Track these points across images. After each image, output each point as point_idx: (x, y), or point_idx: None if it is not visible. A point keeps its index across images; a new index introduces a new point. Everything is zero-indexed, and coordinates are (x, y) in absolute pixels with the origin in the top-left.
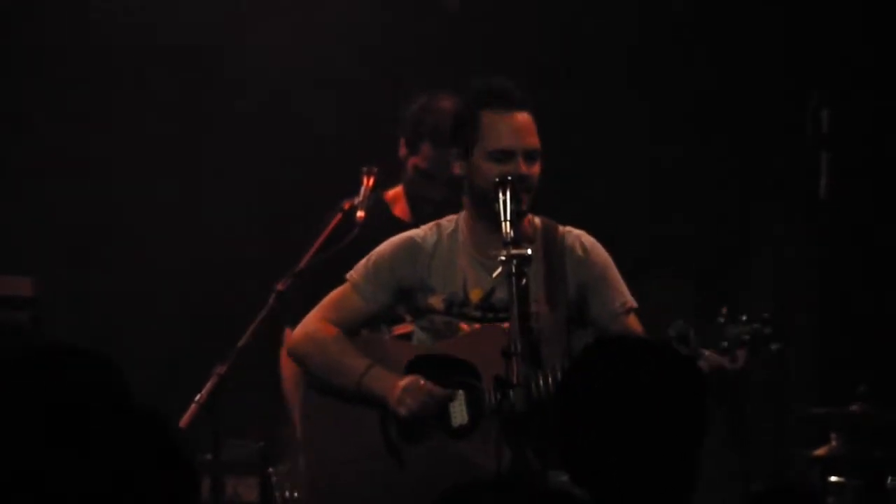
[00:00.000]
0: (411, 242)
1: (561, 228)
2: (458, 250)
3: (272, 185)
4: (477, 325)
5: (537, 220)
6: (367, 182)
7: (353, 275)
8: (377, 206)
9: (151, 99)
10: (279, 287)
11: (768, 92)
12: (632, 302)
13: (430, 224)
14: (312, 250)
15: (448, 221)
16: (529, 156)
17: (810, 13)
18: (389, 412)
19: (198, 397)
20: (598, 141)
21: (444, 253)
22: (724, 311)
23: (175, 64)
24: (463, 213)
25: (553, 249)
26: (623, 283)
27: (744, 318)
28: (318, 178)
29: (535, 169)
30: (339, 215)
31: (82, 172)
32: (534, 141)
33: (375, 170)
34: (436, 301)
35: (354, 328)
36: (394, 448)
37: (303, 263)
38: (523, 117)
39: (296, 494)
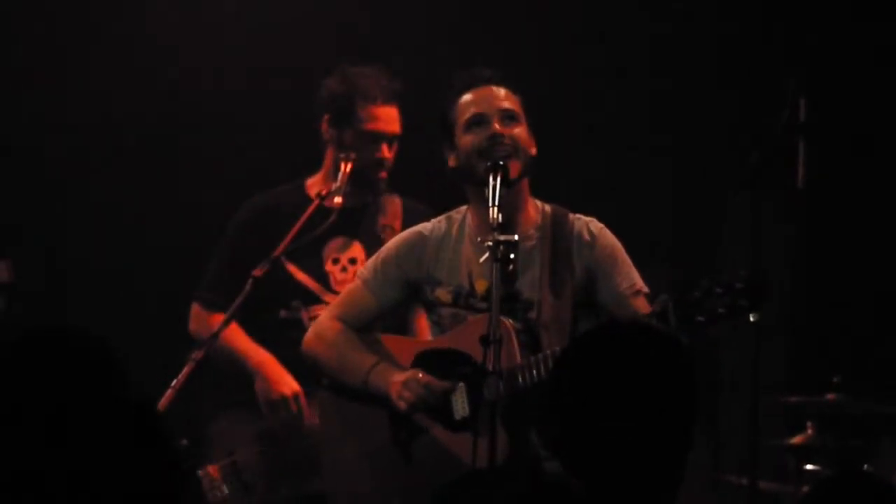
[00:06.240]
0: (418, 236)
1: (571, 216)
2: (464, 241)
3: (250, 167)
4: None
5: (548, 207)
6: (345, 168)
7: (363, 271)
8: None
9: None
10: (256, 273)
11: (745, 79)
12: (640, 285)
13: (442, 216)
14: (289, 238)
15: (458, 213)
16: (506, 116)
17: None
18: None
19: (174, 382)
20: (574, 128)
21: (451, 244)
22: (704, 283)
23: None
24: (470, 204)
25: (561, 236)
26: (633, 267)
27: (719, 290)
28: (292, 161)
29: (516, 130)
30: (316, 202)
31: (54, 153)
32: (508, 104)
33: (353, 156)
34: (442, 293)
35: (366, 324)
36: (401, 444)
37: (279, 250)
38: (497, 89)
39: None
